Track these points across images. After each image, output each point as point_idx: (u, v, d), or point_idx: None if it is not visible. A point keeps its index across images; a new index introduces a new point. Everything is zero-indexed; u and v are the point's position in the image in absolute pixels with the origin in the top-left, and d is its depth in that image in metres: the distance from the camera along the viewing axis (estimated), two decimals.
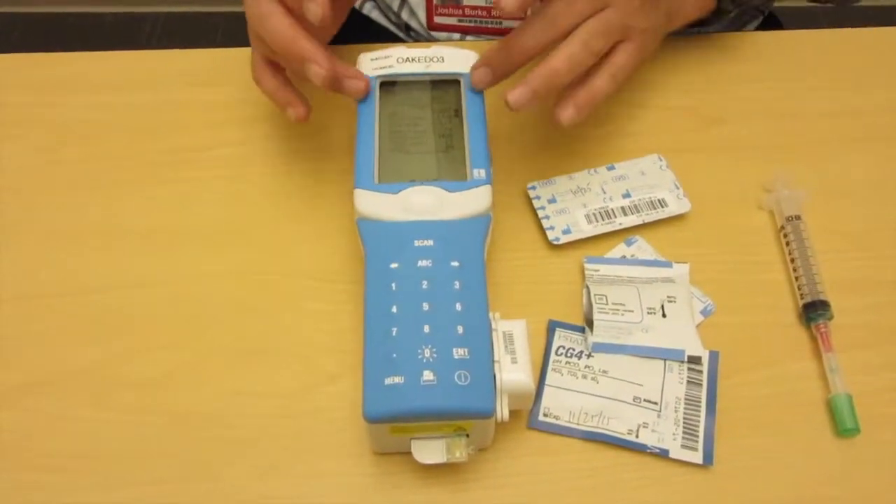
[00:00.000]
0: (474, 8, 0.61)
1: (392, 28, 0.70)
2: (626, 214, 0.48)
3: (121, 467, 0.40)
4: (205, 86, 0.55)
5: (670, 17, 0.50)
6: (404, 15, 0.67)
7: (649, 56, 0.48)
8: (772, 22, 0.71)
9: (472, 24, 0.62)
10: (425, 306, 0.38)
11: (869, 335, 0.44)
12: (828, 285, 0.44)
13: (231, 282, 0.46)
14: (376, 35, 0.70)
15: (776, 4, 0.71)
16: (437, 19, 0.63)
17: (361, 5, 0.71)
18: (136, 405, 0.42)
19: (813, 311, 0.44)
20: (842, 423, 0.40)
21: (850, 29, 0.57)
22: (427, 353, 0.37)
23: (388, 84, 0.46)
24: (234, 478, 0.40)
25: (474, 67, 0.45)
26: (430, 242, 0.40)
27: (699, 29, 0.55)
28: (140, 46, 0.58)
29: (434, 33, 0.65)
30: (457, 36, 0.64)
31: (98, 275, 0.46)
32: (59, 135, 0.53)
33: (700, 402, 0.41)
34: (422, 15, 0.65)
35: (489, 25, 0.62)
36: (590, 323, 0.43)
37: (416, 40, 0.67)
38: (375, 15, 0.71)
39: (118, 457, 0.40)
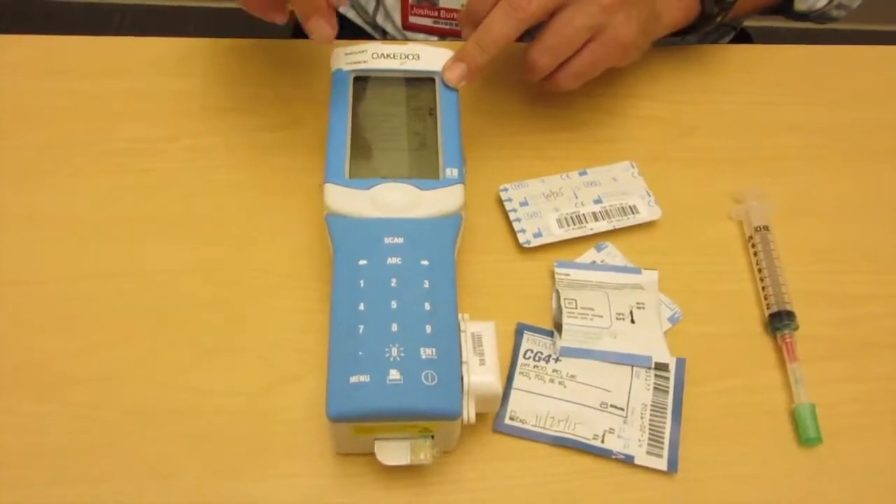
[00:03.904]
0: (450, 11, 0.61)
1: (367, 28, 0.69)
2: (597, 220, 0.47)
3: (67, 463, 0.39)
4: (173, 75, 0.54)
5: (657, 15, 0.49)
6: (379, 18, 0.66)
7: (633, 55, 0.47)
8: (743, 38, 0.72)
9: (447, 27, 0.62)
10: (393, 304, 0.37)
11: (833, 347, 0.44)
12: (794, 296, 0.45)
13: (193, 276, 0.45)
14: (351, 34, 0.69)
15: (747, 23, 0.72)
16: (412, 19, 0.62)
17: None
18: (86, 400, 0.40)
19: (779, 321, 0.44)
20: (805, 433, 0.41)
21: (822, 46, 0.58)
22: (394, 351, 0.36)
23: (362, 79, 0.45)
24: (187, 477, 0.39)
25: (448, 64, 0.44)
26: (401, 240, 0.39)
27: (683, 38, 0.55)
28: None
29: (409, 34, 0.64)
30: (434, 39, 0.64)
31: (52, 264, 0.45)
32: (17, 119, 0.51)
33: (666, 408, 0.41)
34: (397, 17, 0.64)
35: None
36: (558, 327, 0.43)
37: None
38: (351, 15, 0.70)
39: (65, 453, 0.39)
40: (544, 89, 0.47)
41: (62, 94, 0.52)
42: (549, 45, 0.44)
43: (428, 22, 0.62)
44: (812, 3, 0.60)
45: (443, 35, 0.63)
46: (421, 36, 0.64)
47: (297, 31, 0.78)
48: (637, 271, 0.46)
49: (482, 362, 0.37)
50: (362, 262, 0.39)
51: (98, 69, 0.54)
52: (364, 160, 0.42)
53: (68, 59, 0.54)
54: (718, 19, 0.53)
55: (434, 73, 0.45)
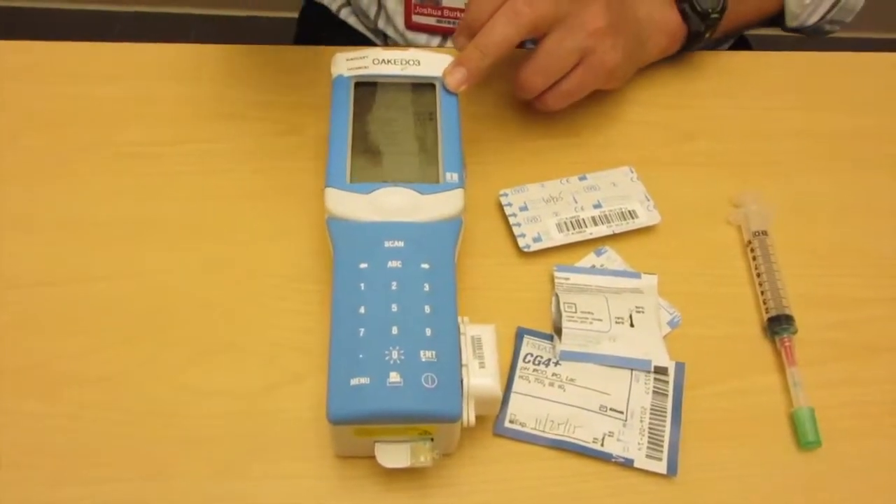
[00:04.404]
0: (453, 10, 0.61)
1: (369, 34, 0.70)
2: (596, 224, 0.48)
3: (71, 464, 0.39)
4: (175, 80, 0.54)
5: (642, 42, 0.51)
6: (381, 23, 0.67)
7: (618, 79, 0.50)
8: (742, 44, 0.73)
9: (450, 26, 0.62)
10: (394, 307, 0.38)
11: (832, 350, 0.44)
12: (792, 300, 0.45)
13: (195, 278, 0.45)
14: (353, 40, 0.70)
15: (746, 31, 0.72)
16: (416, 18, 0.63)
17: (338, 10, 0.71)
18: (89, 401, 0.41)
19: (777, 325, 0.44)
20: (804, 436, 0.41)
21: (820, 52, 0.59)
22: (394, 354, 0.36)
23: (363, 85, 0.45)
24: (187, 477, 0.39)
25: (448, 69, 0.45)
26: (401, 244, 0.40)
27: (679, 56, 0.56)
28: None
29: (412, 34, 0.64)
30: (435, 42, 0.64)
31: (54, 266, 0.45)
32: (22, 122, 0.51)
33: (665, 412, 0.41)
34: (399, 22, 0.65)
35: None
36: (558, 331, 0.43)
37: None
38: (353, 21, 0.71)
39: (68, 453, 0.39)
40: (534, 107, 0.49)
41: (65, 98, 0.53)
42: (540, 66, 0.46)
43: (431, 21, 0.63)
44: (803, 19, 0.60)
45: (445, 34, 0.63)
46: (424, 36, 0.64)
47: (298, 37, 0.79)
48: (636, 276, 0.46)
49: (482, 365, 0.37)
50: (363, 265, 0.39)
51: (101, 74, 0.54)
52: (365, 165, 0.42)
53: (71, 64, 0.54)
54: (707, 36, 0.54)
55: (435, 78, 0.45)
